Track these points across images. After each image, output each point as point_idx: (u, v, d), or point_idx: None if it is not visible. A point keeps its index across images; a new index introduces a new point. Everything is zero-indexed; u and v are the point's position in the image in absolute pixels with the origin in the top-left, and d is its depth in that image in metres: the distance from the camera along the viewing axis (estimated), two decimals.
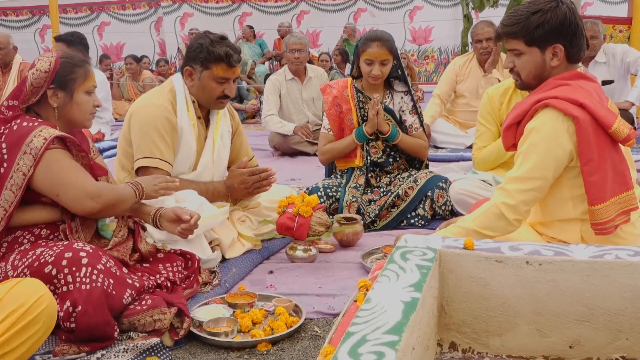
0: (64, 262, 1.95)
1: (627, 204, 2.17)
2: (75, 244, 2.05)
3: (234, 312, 2.22)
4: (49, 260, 1.98)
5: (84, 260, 1.97)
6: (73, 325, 1.92)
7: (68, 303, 1.92)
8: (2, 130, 2.19)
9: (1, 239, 2.17)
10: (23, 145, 2.14)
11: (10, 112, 2.22)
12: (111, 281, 2.02)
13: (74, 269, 1.95)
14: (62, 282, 1.94)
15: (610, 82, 5.55)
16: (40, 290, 1.73)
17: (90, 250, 2.03)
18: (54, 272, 1.94)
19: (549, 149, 2.11)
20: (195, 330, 2.08)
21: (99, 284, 1.95)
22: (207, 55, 2.81)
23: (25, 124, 2.18)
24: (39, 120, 2.22)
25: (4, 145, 2.16)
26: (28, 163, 2.14)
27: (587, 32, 5.82)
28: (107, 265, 2.05)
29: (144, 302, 2.08)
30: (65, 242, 2.08)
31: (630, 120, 5.49)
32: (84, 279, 1.94)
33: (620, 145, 2.18)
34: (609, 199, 2.12)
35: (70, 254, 1.98)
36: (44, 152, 2.14)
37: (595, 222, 2.12)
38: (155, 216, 2.41)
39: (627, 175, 2.20)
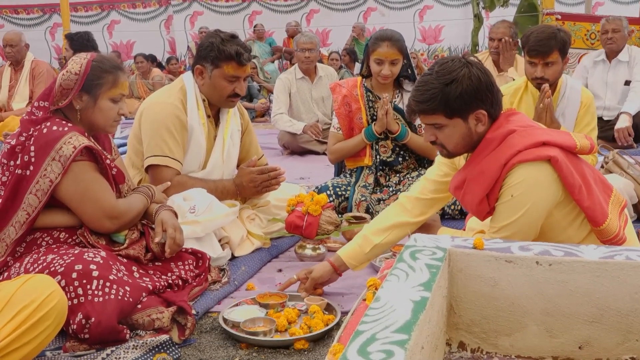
0: (74, 275, 1.96)
1: (619, 203, 2.17)
2: (86, 254, 2.05)
3: (266, 312, 2.21)
4: (59, 271, 1.98)
5: (95, 273, 1.97)
6: (87, 336, 1.93)
7: (80, 315, 1.92)
8: (31, 132, 2.19)
9: (21, 242, 2.18)
10: (52, 152, 2.14)
11: (41, 113, 2.23)
12: (127, 289, 2.02)
13: (84, 281, 1.95)
14: (72, 294, 1.94)
15: (629, 82, 5.48)
16: (51, 287, 1.74)
17: (101, 261, 2.03)
18: (62, 283, 1.94)
19: (536, 199, 2.03)
20: (232, 331, 2.07)
21: (112, 296, 1.96)
22: (218, 53, 2.82)
23: (55, 128, 2.18)
24: (69, 124, 2.22)
25: (32, 148, 2.16)
26: (56, 170, 2.14)
27: (609, 25, 5.67)
28: (119, 275, 2.05)
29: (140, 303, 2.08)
30: (77, 251, 2.08)
31: None
32: (96, 292, 1.95)
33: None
34: (608, 209, 2.10)
35: (80, 267, 1.98)
36: (71, 163, 2.15)
37: (608, 239, 2.09)
38: (156, 215, 2.41)
39: (604, 178, 2.18)
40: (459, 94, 2.01)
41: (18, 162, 2.17)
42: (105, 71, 2.27)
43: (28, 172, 2.15)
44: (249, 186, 2.94)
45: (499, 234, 2.06)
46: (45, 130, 2.17)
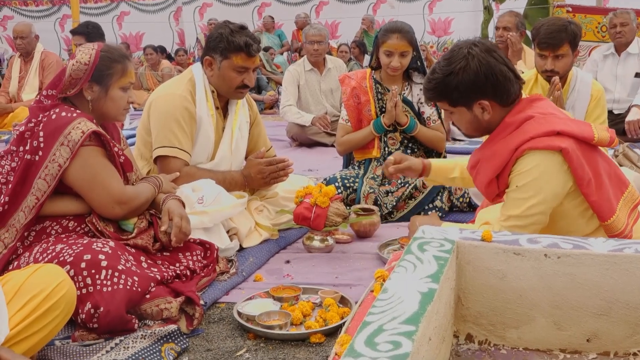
0: (83, 265, 1.97)
1: (632, 200, 2.15)
2: (95, 244, 2.06)
3: (281, 305, 2.21)
4: (68, 260, 1.99)
5: (104, 263, 1.98)
6: (96, 325, 1.94)
7: (89, 305, 1.93)
8: (40, 118, 2.20)
9: (30, 227, 2.20)
10: (61, 137, 2.16)
11: (49, 101, 2.24)
12: (135, 279, 2.03)
13: (93, 271, 1.96)
14: (81, 284, 1.95)
15: (639, 74, 5.44)
16: (60, 276, 1.75)
17: (110, 251, 2.04)
18: (71, 272, 1.95)
19: (546, 189, 2.03)
20: (248, 324, 2.07)
21: (121, 286, 1.97)
22: (227, 45, 2.81)
23: (64, 114, 2.19)
24: (77, 111, 2.23)
25: (41, 133, 2.17)
26: (65, 155, 2.16)
27: (617, 19, 5.64)
28: (127, 265, 2.06)
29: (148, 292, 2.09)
30: (86, 241, 2.09)
31: None
32: (105, 282, 1.96)
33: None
34: (617, 206, 2.09)
35: (89, 256, 1.99)
36: (80, 147, 2.16)
37: (614, 235, 2.08)
38: (163, 205, 2.41)
39: (620, 173, 2.16)
40: (455, 86, 2.06)
41: (27, 147, 2.18)
42: (114, 61, 2.28)
43: (37, 157, 2.17)
44: (257, 177, 2.95)
45: (507, 222, 2.08)
46: (54, 116, 2.19)
